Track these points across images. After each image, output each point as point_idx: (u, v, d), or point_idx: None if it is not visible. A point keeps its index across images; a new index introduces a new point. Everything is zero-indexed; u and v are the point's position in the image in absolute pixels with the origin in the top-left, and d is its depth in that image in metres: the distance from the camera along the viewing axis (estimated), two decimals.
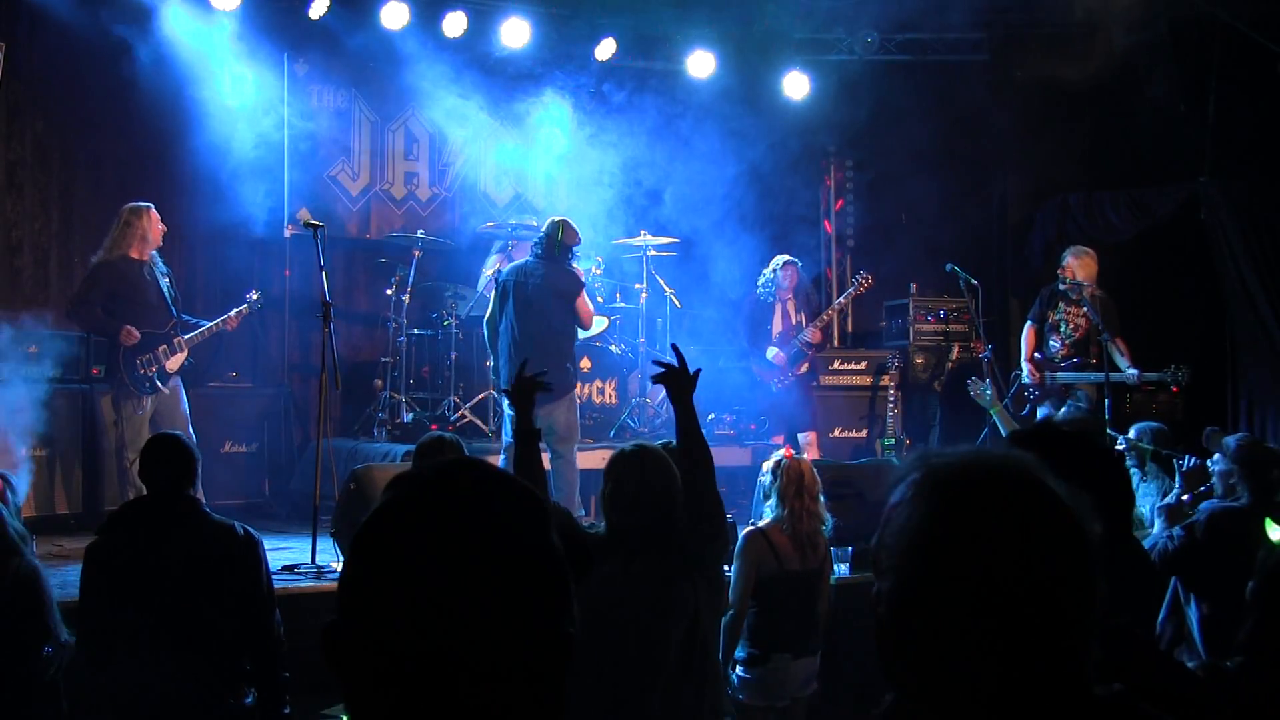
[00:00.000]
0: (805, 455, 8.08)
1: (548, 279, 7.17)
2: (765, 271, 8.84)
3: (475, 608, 1.00)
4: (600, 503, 3.51)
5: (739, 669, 4.44)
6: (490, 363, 8.66)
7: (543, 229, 7.40)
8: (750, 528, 4.56)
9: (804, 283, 9.03)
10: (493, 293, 7.53)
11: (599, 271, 9.15)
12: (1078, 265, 8.25)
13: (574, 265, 7.39)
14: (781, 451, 4.78)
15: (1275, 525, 4.09)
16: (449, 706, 1.00)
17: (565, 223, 7.34)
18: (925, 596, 1.11)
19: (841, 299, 9.42)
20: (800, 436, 8.56)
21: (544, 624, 1.04)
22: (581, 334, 7.70)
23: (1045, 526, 1.13)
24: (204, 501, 3.92)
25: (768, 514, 4.58)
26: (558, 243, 7.22)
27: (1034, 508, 1.13)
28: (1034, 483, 1.15)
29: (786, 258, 8.84)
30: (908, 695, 1.15)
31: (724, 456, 9.03)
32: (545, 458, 7.21)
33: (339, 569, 6.01)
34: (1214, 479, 4.67)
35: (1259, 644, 1.71)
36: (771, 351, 8.70)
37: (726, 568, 4.55)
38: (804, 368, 8.81)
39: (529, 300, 7.16)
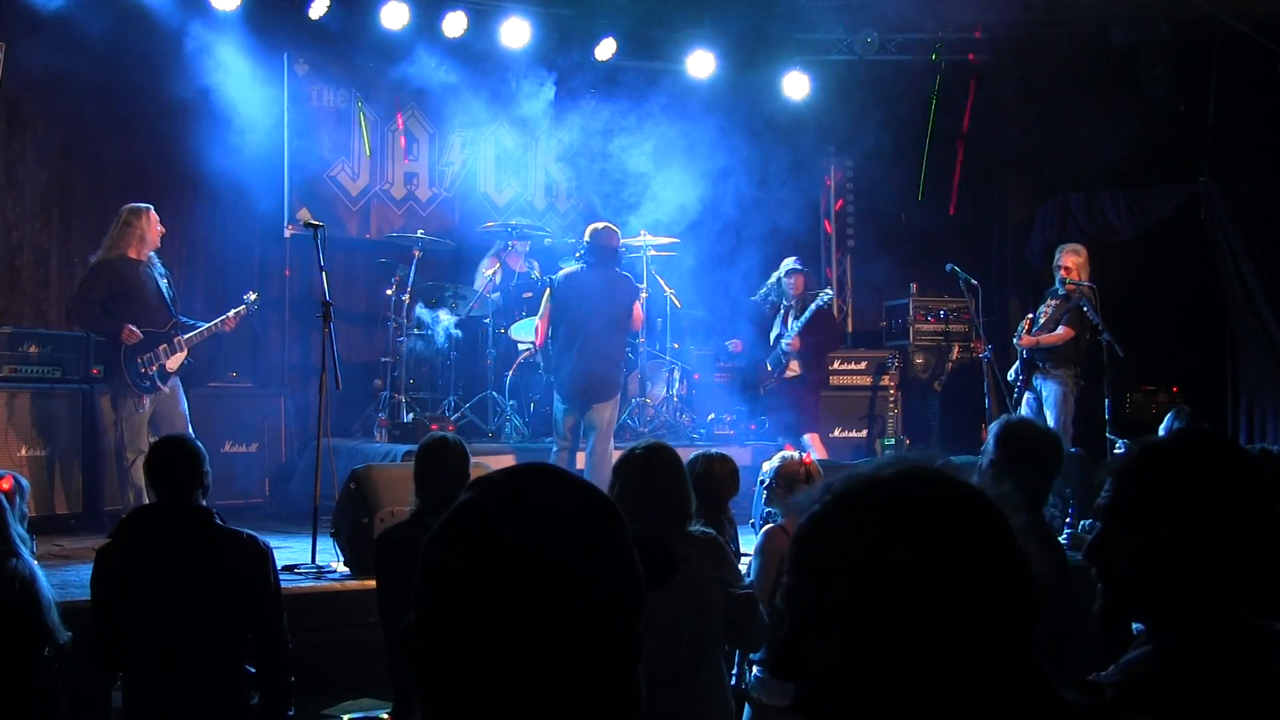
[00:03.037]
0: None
1: (607, 285, 7.40)
2: (775, 274, 8.84)
3: (545, 609, 1.02)
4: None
5: (755, 668, 4.44)
6: (489, 363, 8.72)
7: (586, 237, 7.62)
8: (771, 525, 4.56)
9: (808, 290, 9.01)
10: (545, 301, 7.82)
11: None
12: (1081, 264, 8.29)
13: (627, 272, 7.62)
14: (786, 451, 4.77)
15: None
16: (521, 705, 1.01)
17: (609, 228, 7.62)
18: (865, 617, 1.08)
19: (802, 321, 9.03)
20: (803, 439, 8.60)
21: (613, 625, 1.05)
22: None
23: (963, 525, 1.10)
24: (213, 508, 3.91)
25: (780, 514, 4.57)
26: (610, 250, 7.48)
27: (952, 509, 1.11)
28: (948, 483, 1.13)
29: (794, 265, 8.86)
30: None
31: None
32: (581, 456, 7.45)
33: (339, 569, 6.02)
34: None
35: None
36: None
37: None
38: (791, 372, 8.81)
39: (593, 308, 7.36)
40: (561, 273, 7.76)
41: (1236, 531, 1.63)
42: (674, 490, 3.40)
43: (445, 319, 8.76)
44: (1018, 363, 8.33)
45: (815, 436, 8.79)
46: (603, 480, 7.04)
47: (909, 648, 1.06)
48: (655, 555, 1.15)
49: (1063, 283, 8.24)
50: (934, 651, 1.06)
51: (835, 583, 1.10)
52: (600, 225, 7.66)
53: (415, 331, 8.94)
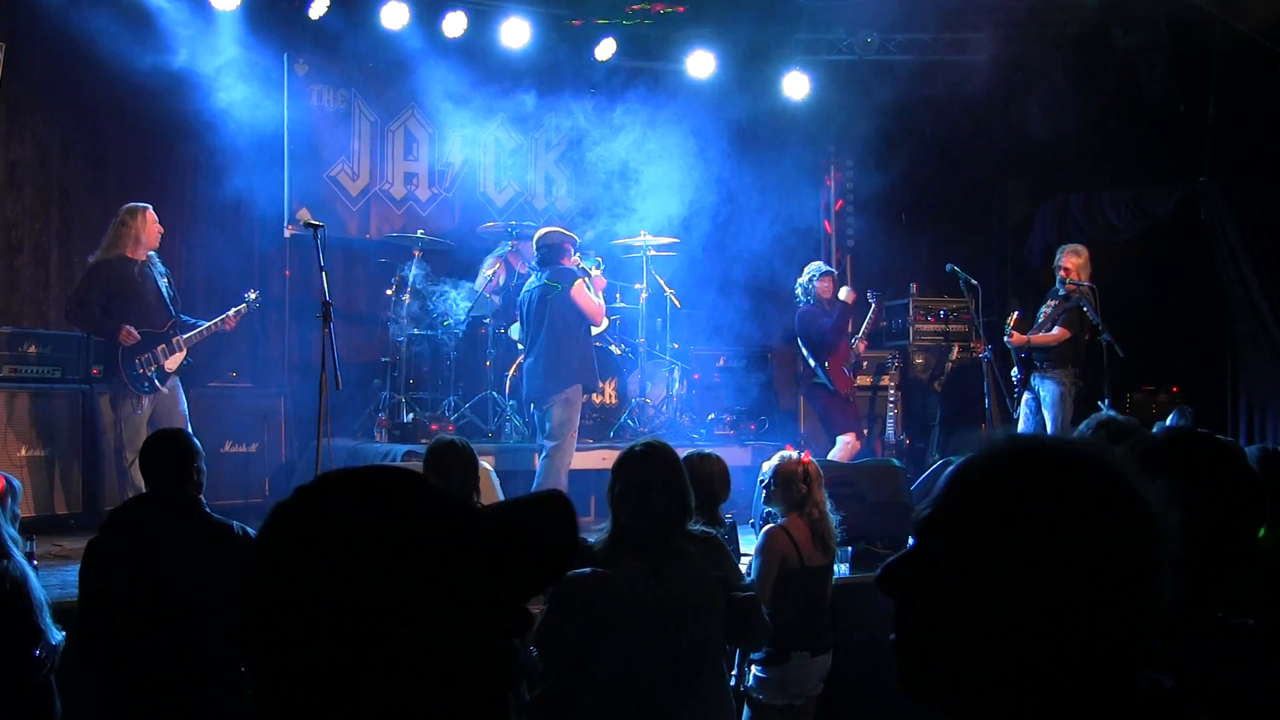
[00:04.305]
0: (840, 455, 8.25)
1: (541, 283, 7.50)
2: (800, 279, 8.87)
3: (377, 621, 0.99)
4: (607, 502, 3.46)
5: (755, 668, 4.44)
6: (489, 363, 8.73)
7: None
8: (772, 525, 4.57)
9: (837, 292, 9.09)
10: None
11: (599, 271, 9.16)
12: (1081, 264, 8.28)
13: (566, 262, 7.60)
14: (785, 451, 4.78)
15: None
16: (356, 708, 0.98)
17: (548, 229, 7.80)
18: (988, 586, 1.09)
19: (870, 315, 9.36)
20: (844, 439, 8.70)
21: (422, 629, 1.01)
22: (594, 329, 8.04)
23: (1119, 514, 1.11)
24: (204, 501, 3.91)
25: (780, 514, 4.58)
26: (547, 248, 7.59)
27: (1107, 493, 1.11)
28: (1105, 468, 1.13)
29: (824, 267, 8.96)
30: (936, 691, 1.13)
31: (724, 456, 9.04)
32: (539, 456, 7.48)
33: None
34: None
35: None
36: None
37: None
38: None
39: (531, 310, 7.54)
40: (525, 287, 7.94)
41: (1217, 528, 1.65)
42: (674, 487, 3.40)
43: (457, 299, 8.77)
44: (1016, 355, 8.34)
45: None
46: (549, 482, 7.14)
47: (1017, 609, 1.08)
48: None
49: (1063, 283, 8.25)
50: (1038, 626, 1.07)
51: (976, 523, 1.11)
52: (541, 229, 7.87)
53: (415, 331, 8.92)
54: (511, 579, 1.08)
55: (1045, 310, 8.33)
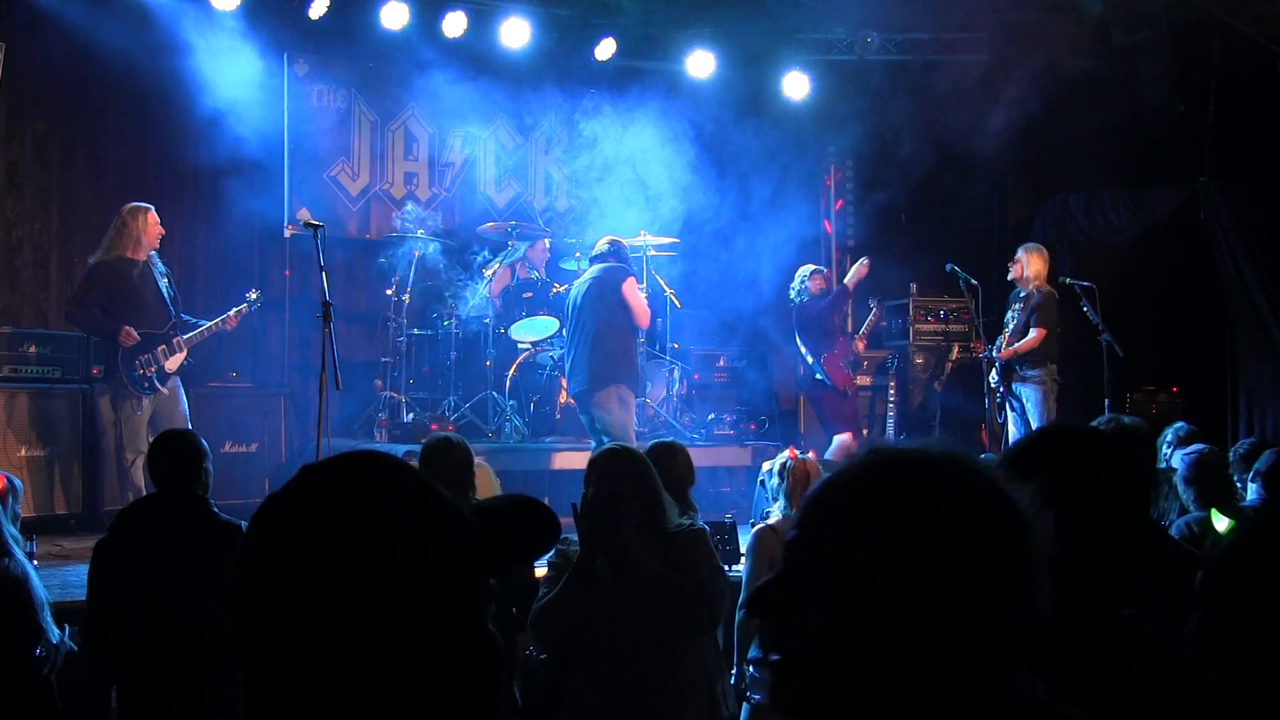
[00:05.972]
0: (836, 455, 8.24)
1: (593, 278, 7.34)
2: (793, 284, 8.90)
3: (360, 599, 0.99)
4: (579, 507, 3.35)
5: (751, 668, 4.44)
6: (489, 363, 8.73)
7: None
8: (761, 525, 4.57)
9: (826, 291, 9.09)
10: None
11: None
12: (1026, 261, 8.29)
13: (622, 261, 7.48)
14: (786, 452, 4.78)
15: (1220, 516, 4.05)
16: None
17: (611, 238, 7.68)
18: (857, 602, 1.07)
19: (870, 318, 9.38)
20: (841, 438, 8.70)
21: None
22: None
23: (984, 521, 1.08)
24: (212, 502, 3.91)
25: (776, 513, 4.58)
26: (611, 250, 7.46)
27: (971, 501, 1.09)
28: (969, 474, 1.11)
29: (813, 267, 8.97)
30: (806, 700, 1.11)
31: (724, 456, 9.06)
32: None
33: None
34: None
35: (1205, 638, 1.72)
36: (860, 346, 8.95)
37: (732, 567, 4.59)
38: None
39: (577, 306, 7.36)
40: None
41: (1116, 526, 1.66)
42: (645, 488, 3.40)
43: (474, 291, 8.75)
44: (997, 365, 8.33)
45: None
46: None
47: (884, 627, 1.06)
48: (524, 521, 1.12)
49: (1025, 282, 8.32)
50: (906, 636, 1.05)
51: (840, 540, 1.09)
52: (607, 237, 7.73)
53: (415, 331, 8.91)
54: (489, 559, 1.08)
55: (1012, 316, 8.32)
